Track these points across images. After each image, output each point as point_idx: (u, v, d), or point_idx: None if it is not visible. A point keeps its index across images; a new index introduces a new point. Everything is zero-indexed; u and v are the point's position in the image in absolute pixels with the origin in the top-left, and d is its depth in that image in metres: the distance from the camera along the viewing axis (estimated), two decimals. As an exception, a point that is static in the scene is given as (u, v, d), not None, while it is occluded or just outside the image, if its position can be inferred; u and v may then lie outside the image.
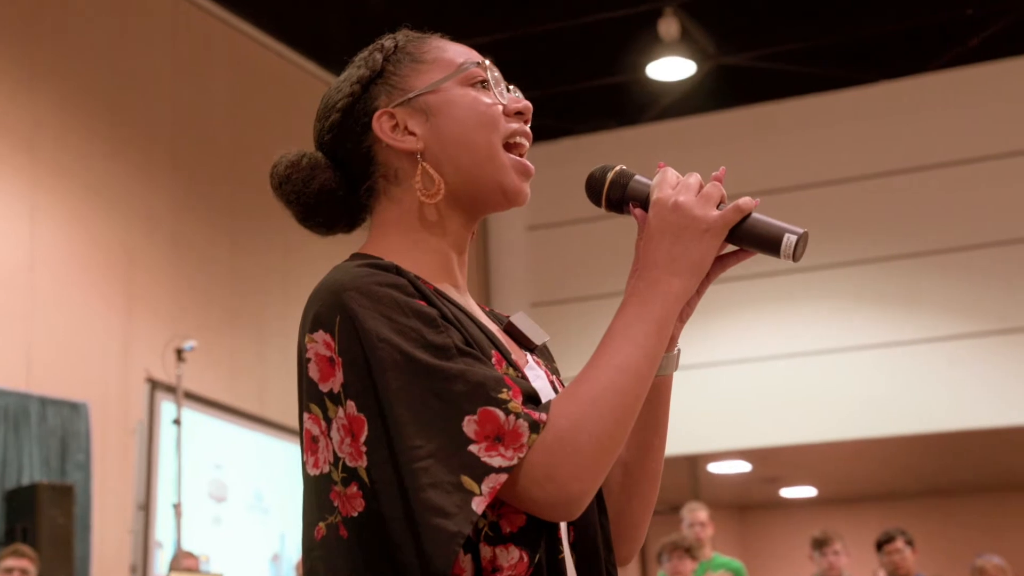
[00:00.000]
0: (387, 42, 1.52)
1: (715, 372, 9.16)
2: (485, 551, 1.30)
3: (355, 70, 1.50)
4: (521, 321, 1.53)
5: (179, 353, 6.43)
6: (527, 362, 1.48)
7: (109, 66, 7.23)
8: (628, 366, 1.33)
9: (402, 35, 1.53)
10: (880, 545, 6.84)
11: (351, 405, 1.31)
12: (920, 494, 12.20)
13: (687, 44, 8.58)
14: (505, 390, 1.28)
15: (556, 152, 9.43)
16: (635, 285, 1.38)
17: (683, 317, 1.46)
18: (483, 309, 1.54)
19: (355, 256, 1.45)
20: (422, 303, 1.33)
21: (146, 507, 6.80)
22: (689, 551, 6.50)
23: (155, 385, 6.89)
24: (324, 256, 1.42)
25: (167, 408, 6.78)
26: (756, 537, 13.04)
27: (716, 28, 8.76)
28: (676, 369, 1.50)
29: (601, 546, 1.42)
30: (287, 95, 8.34)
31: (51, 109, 6.83)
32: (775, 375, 9.16)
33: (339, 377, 1.31)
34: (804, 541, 7.26)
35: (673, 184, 1.41)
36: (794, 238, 1.38)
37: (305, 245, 8.24)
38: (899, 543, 6.77)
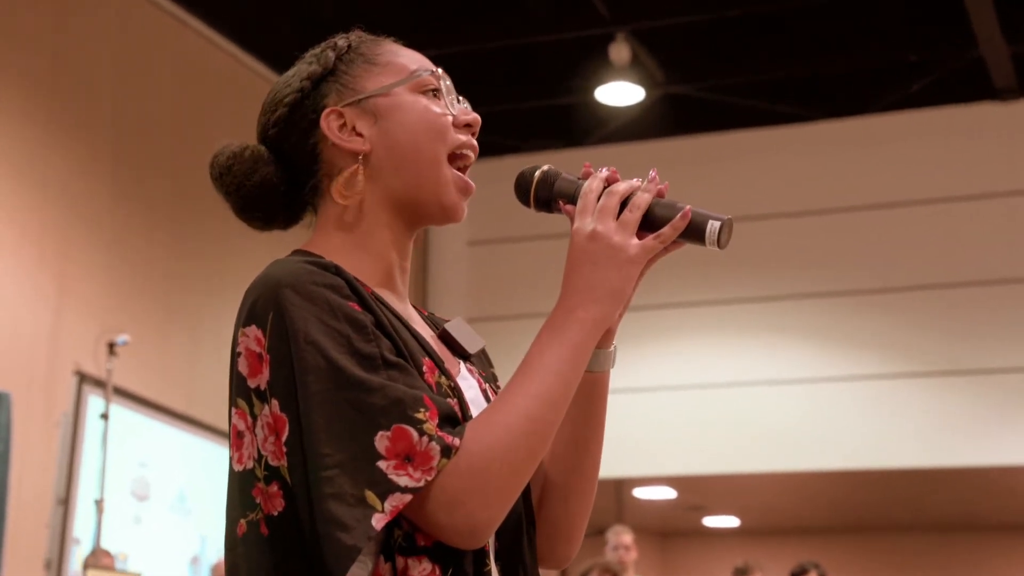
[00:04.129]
0: (340, 41, 1.51)
1: (645, 397, 9.21)
2: (399, 561, 1.30)
3: (306, 66, 1.50)
4: (456, 328, 1.52)
5: (111, 347, 6.33)
6: (460, 370, 1.47)
7: (52, 56, 7.13)
8: (542, 393, 1.31)
9: (355, 35, 1.53)
10: (793, 577, 6.92)
11: (275, 403, 1.30)
12: (841, 530, 12.31)
13: (637, 70, 8.64)
14: (423, 410, 1.27)
15: (501, 169, 9.36)
16: (553, 312, 1.37)
17: (619, 312, 1.44)
18: (422, 313, 1.54)
19: (296, 252, 1.45)
20: (356, 307, 1.32)
21: (66, 502, 6.71)
22: (612, 574, 6.51)
23: (83, 378, 6.81)
24: (264, 261, 1.41)
25: (94, 402, 6.69)
26: (678, 564, 13.09)
27: (666, 57, 8.83)
28: (613, 366, 1.48)
29: (527, 555, 1.42)
30: (234, 95, 8.28)
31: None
32: (704, 404, 9.21)
33: (266, 374, 1.31)
34: (725, 570, 7.32)
35: (592, 209, 1.39)
36: (718, 224, 1.38)
37: (245, 249, 8.17)
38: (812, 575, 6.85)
